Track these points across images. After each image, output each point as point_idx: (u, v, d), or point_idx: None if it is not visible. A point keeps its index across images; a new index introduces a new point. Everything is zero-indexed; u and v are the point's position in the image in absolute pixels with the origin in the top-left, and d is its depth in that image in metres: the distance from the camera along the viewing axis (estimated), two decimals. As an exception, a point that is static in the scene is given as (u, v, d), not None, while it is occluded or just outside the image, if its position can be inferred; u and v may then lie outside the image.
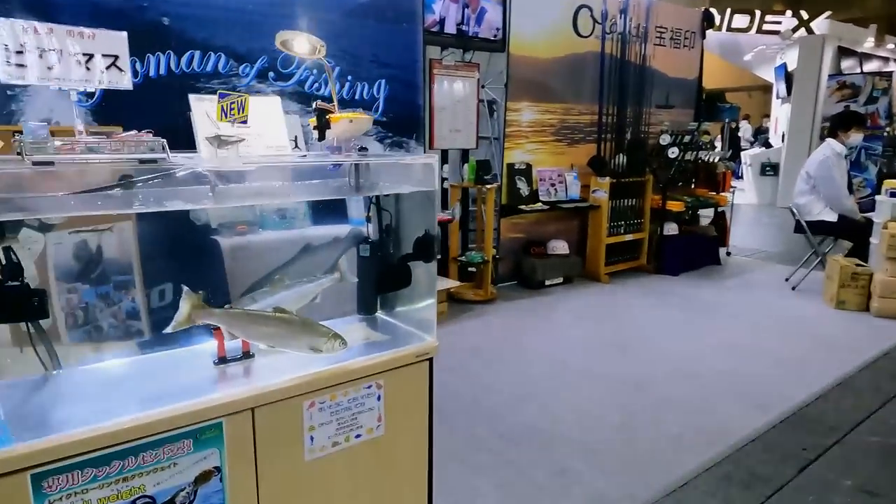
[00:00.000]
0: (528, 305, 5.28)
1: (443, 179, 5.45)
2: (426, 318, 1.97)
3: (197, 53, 3.77)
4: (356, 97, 4.50)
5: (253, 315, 1.67)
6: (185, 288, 1.56)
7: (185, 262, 3.26)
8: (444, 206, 5.43)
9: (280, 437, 1.61)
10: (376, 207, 2.02)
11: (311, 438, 1.67)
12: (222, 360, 1.71)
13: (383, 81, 4.63)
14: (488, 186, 5.18)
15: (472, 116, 5.38)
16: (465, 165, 5.30)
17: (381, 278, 1.96)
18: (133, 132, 1.50)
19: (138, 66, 3.52)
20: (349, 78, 4.46)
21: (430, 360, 1.89)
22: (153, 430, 1.40)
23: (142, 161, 1.31)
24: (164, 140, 1.38)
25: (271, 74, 4.04)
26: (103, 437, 1.34)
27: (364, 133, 1.93)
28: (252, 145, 1.75)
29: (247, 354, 1.75)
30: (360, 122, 1.83)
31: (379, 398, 1.79)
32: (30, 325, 1.62)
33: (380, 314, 2.19)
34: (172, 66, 3.66)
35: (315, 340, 1.70)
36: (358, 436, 1.77)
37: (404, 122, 4.67)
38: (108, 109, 3.43)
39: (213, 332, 1.68)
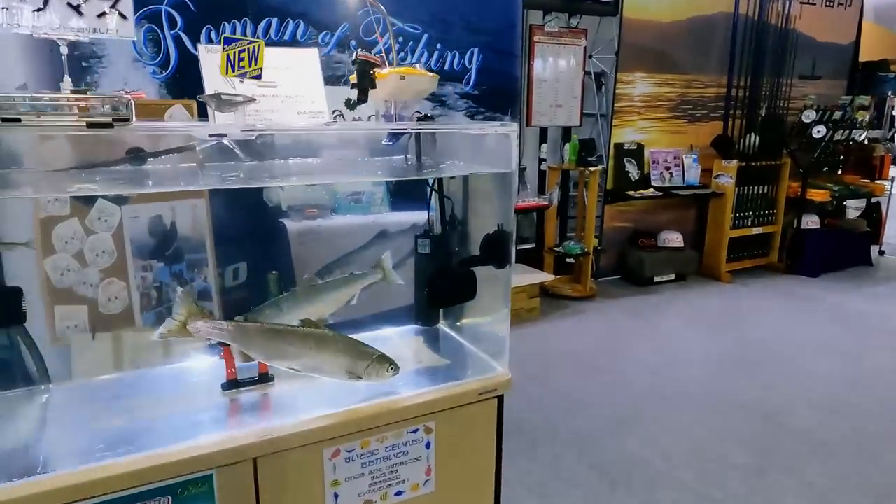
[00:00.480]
0: (632, 305, 4.65)
1: (541, 160, 4.91)
2: (498, 339, 1.51)
3: (274, 21, 3.49)
4: (445, 67, 4.06)
5: (272, 330, 1.29)
6: (181, 289, 1.21)
7: (247, 246, 3.01)
8: (542, 189, 4.89)
9: (292, 495, 1.23)
10: (438, 194, 1.57)
11: (336, 496, 1.28)
12: (231, 384, 1.35)
13: (476, 50, 4.15)
14: (592, 169, 4.57)
15: (577, 90, 4.78)
16: (567, 145, 4.72)
17: (437, 287, 1.51)
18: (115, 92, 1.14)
19: (213, 34, 3.29)
20: (438, 46, 4.02)
21: (500, 398, 1.43)
22: (111, 488, 1.05)
23: (90, 125, 0.94)
24: (130, 99, 1.01)
25: (352, 43, 3.69)
26: (37, 496, 1.01)
27: (430, 98, 1.48)
28: (279, 110, 1.36)
29: (264, 377, 1.38)
30: (417, 81, 1.38)
31: (428, 445, 1.36)
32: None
33: (442, 326, 1.75)
34: (249, 34, 3.41)
35: (355, 364, 1.29)
36: (399, 493, 1.35)
37: (498, 95, 4.17)
38: (183, 82, 3.23)
39: (222, 350, 1.32)
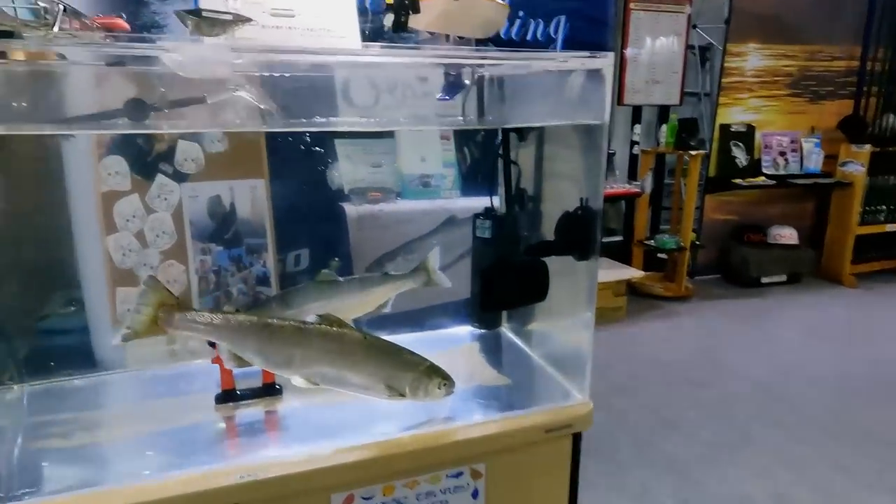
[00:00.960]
0: (734, 309, 4.07)
1: (633, 143, 4.40)
2: (576, 354, 1.14)
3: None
4: (528, 38, 3.64)
5: (277, 328, 0.97)
6: (146, 277, 0.92)
7: (305, 231, 2.77)
8: (632, 175, 4.38)
9: (288, 554, 0.92)
10: (503, 158, 1.20)
11: (348, 557, 0.96)
12: (227, 395, 1.06)
13: (563, 18, 3.69)
14: (693, 153, 4.02)
15: (678, 64, 4.22)
16: (664, 126, 4.19)
17: (496, 282, 1.15)
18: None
19: None
20: (520, 14, 3.61)
21: (577, 436, 1.06)
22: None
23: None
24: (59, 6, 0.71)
25: None
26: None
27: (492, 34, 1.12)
28: (298, 42, 1.05)
29: (270, 389, 1.08)
30: (477, 6, 1.02)
31: (476, 495, 1.02)
32: None
33: (505, 330, 1.39)
34: None
35: (396, 376, 0.97)
36: (434, 554, 1.02)
37: (587, 68, 3.71)
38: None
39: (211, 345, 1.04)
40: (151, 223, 1.30)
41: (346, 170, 3.25)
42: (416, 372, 0.98)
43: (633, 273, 4.04)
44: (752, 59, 4.38)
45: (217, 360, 1.04)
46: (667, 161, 4.48)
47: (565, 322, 1.22)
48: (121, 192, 1.17)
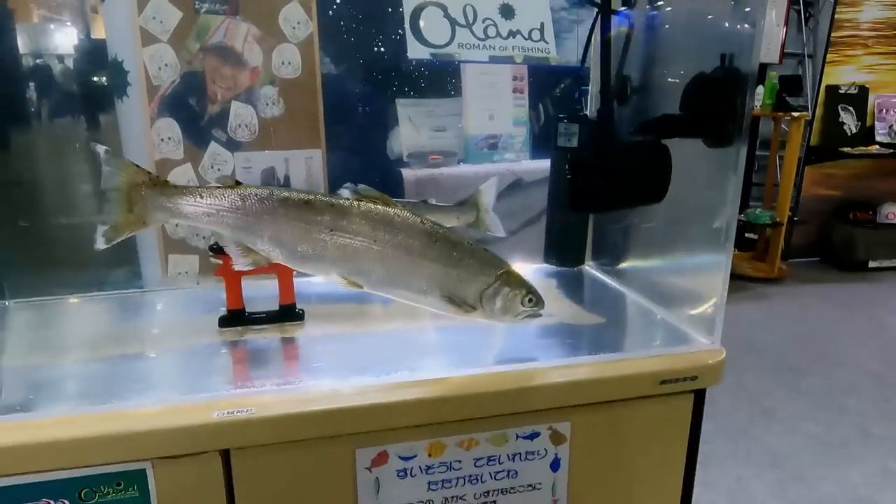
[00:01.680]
0: (837, 294, 3.58)
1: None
2: (702, 289, 0.83)
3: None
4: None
5: (306, 203, 0.70)
6: (102, 153, 0.67)
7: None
8: (721, 143, 3.92)
9: (295, 525, 0.67)
10: (601, 11, 0.89)
11: (378, 536, 0.70)
12: (233, 317, 0.81)
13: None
14: (795, 114, 3.53)
15: (779, 16, 3.73)
16: (760, 87, 3.71)
17: (596, 170, 0.85)
18: None
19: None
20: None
21: (700, 392, 0.75)
22: None
23: None
24: None
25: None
26: None
27: None
28: None
29: (287, 312, 0.83)
30: None
31: (556, 465, 0.73)
32: None
33: (590, 268, 1.10)
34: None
35: (464, 280, 0.71)
36: (496, 543, 0.74)
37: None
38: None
39: (212, 253, 0.79)
40: None
41: (407, 134, 2.96)
42: (492, 277, 0.71)
43: (720, 249, 3.61)
44: (869, 9, 3.82)
45: (220, 271, 0.80)
46: (760, 127, 4.00)
47: (683, 246, 0.91)
48: (174, 160, 1.07)
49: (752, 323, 3.17)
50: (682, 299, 0.87)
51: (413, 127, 2.64)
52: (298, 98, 1.10)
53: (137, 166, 0.67)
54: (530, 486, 0.74)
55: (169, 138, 1.08)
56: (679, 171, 0.80)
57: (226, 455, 0.63)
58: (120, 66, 1.04)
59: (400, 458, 0.68)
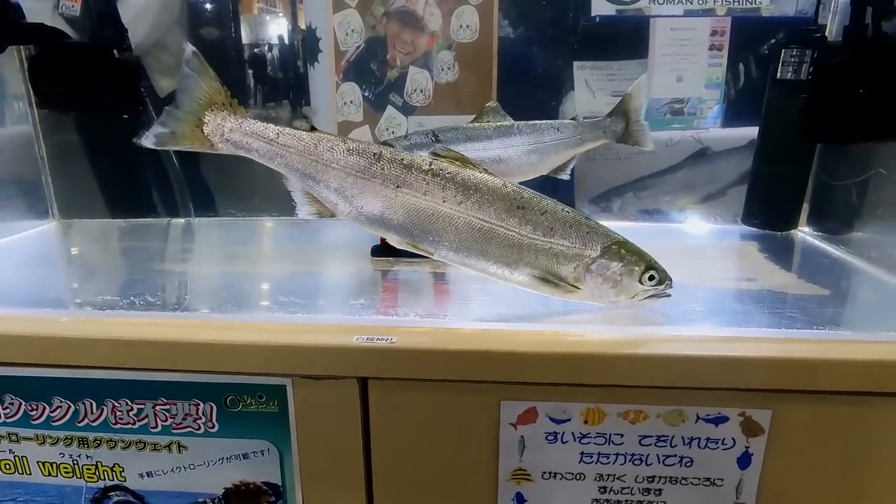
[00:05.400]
0: None
1: None
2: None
3: None
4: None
5: (374, 156, 0.63)
6: (188, 52, 0.63)
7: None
8: None
9: (427, 472, 0.62)
10: None
11: (518, 501, 0.62)
12: (386, 245, 0.78)
13: None
14: None
15: None
16: None
17: (833, 87, 0.66)
18: None
19: None
20: None
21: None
22: (120, 361, 0.59)
23: None
24: None
25: None
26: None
27: None
28: None
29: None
30: None
31: (746, 460, 0.59)
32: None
33: (805, 234, 0.89)
34: None
35: (562, 256, 0.61)
36: (657, 538, 0.62)
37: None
38: None
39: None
40: None
41: (582, 98, 2.75)
42: (596, 250, 0.60)
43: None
44: None
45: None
46: None
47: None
48: (354, 122, 1.13)
49: None
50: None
51: (589, 91, 2.43)
52: (473, 62, 1.10)
53: (221, 84, 0.63)
54: (708, 480, 0.60)
55: (351, 102, 1.15)
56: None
57: (364, 384, 0.59)
58: (314, 33, 1.09)
59: (550, 419, 0.59)
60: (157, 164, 1.15)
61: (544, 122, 0.86)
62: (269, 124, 0.65)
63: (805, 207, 0.90)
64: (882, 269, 0.75)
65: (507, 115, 0.86)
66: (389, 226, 0.64)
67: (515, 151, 0.83)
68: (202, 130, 0.63)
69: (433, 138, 0.82)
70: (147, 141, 0.64)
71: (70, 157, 1.13)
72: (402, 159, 0.63)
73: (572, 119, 0.86)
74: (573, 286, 0.61)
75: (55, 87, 0.93)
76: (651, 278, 0.60)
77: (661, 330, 0.60)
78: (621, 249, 0.61)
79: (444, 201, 0.61)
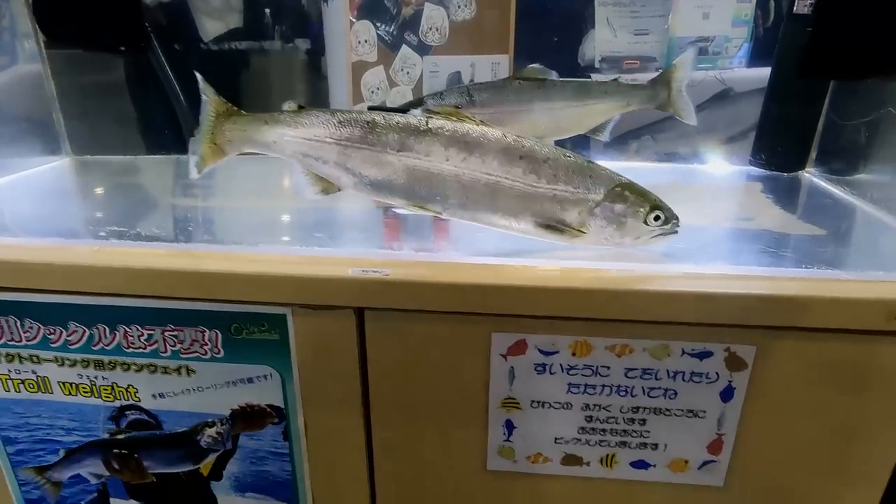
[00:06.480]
0: None
1: None
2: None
3: None
4: None
5: (371, 124, 0.63)
6: (200, 77, 0.65)
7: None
8: None
9: (421, 398, 0.65)
10: None
11: (508, 427, 0.65)
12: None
13: None
14: None
15: None
16: None
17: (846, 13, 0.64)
18: None
19: None
20: None
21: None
22: (112, 285, 0.62)
23: None
24: None
25: None
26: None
27: None
28: None
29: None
30: None
31: (729, 394, 0.61)
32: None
33: (810, 174, 0.88)
34: None
35: (567, 203, 0.61)
36: (640, 464, 0.66)
37: None
38: None
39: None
40: (393, 96, 1.21)
41: (603, 37, 2.65)
42: (600, 193, 0.60)
43: None
44: None
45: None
46: None
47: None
48: (368, 62, 1.11)
49: None
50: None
51: (611, 29, 2.35)
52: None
53: (219, 96, 0.65)
54: (691, 412, 0.63)
55: (365, 41, 1.12)
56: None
57: (360, 314, 0.61)
58: (333, -34, 1.06)
59: (539, 350, 0.61)
60: (165, 102, 1.16)
61: (589, 80, 0.85)
62: (259, 114, 0.66)
63: (814, 148, 0.89)
64: (884, 211, 0.74)
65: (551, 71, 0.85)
66: (395, 191, 0.64)
67: (556, 112, 0.82)
68: (217, 143, 0.66)
69: (468, 97, 0.82)
70: (193, 173, 0.67)
71: (80, 96, 1.14)
72: (398, 122, 0.63)
73: (614, 80, 0.84)
74: (579, 231, 0.62)
75: (60, 24, 0.93)
76: (657, 218, 0.60)
77: (650, 266, 0.61)
78: (625, 191, 0.61)
79: (447, 160, 0.62)
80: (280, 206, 0.88)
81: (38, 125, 1.06)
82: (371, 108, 0.67)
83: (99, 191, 1.00)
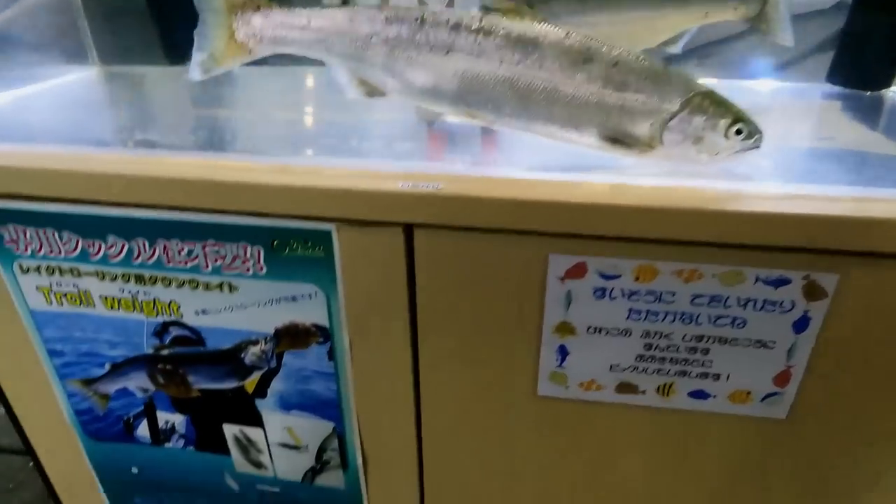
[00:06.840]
0: None
1: None
2: None
3: None
4: None
5: (420, 21, 0.55)
6: None
7: None
8: None
9: (470, 321, 0.62)
10: None
11: (562, 352, 0.62)
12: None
13: None
14: None
15: None
16: None
17: None
18: None
19: None
20: None
21: None
22: (142, 196, 0.59)
23: None
24: None
25: None
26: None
27: None
28: None
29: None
30: None
31: (803, 324, 0.57)
32: None
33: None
34: None
35: (637, 113, 0.55)
36: (700, 394, 0.63)
37: None
38: None
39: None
40: None
41: None
42: (675, 103, 0.54)
43: None
44: None
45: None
46: None
47: None
48: None
49: None
50: None
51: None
52: None
53: None
54: (759, 342, 0.59)
55: None
56: None
57: (409, 231, 0.58)
58: None
59: (600, 275, 0.57)
60: (195, 12, 1.10)
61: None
62: (298, 8, 0.59)
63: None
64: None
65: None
66: (443, 97, 0.58)
67: (629, 20, 0.74)
68: (236, 40, 0.59)
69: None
70: (195, 73, 0.60)
71: (108, 5, 1.09)
72: (448, 19, 0.56)
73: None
74: (647, 146, 0.57)
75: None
76: (738, 132, 0.54)
77: (724, 185, 0.56)
78: (704, 101, 0.54)
79: (500, 62, 0.55)
80: (318, 118, 0.83)
81: (64, 34, 1.01)
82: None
83: (130, 100, 0.96)
